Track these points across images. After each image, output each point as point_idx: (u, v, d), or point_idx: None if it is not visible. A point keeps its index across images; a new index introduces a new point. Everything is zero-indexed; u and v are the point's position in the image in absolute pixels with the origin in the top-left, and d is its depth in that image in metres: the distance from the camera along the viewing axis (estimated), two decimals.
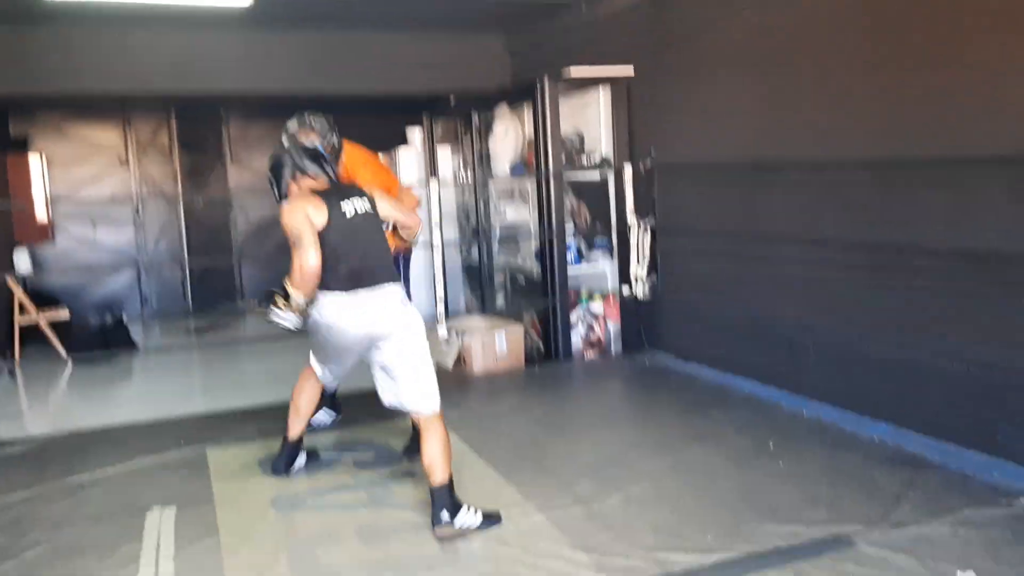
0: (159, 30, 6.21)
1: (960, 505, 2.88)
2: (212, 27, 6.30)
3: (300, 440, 3.44)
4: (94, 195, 8.47)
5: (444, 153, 6.97)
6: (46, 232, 8.29)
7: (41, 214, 8.30)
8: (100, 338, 6.93)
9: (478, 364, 4.98)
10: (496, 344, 5.01)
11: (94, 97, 7.56)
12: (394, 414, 3.19)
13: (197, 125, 9.05)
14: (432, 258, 5.44)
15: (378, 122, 7.01)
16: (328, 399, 3.93)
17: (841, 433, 3.65)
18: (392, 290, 2.96)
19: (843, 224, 3.82)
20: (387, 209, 3.08)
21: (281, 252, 9.78)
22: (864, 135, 3.68)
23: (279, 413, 3.84)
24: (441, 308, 5.36)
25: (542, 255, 5.36)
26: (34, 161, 8.09)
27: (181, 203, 8.88)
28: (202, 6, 5.27)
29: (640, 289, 5.21)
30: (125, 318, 7.45)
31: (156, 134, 8.91)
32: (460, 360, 5.00)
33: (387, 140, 7.13)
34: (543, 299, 5.30)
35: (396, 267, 3.09)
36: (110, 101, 8.34)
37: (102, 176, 8.69)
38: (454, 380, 4.69)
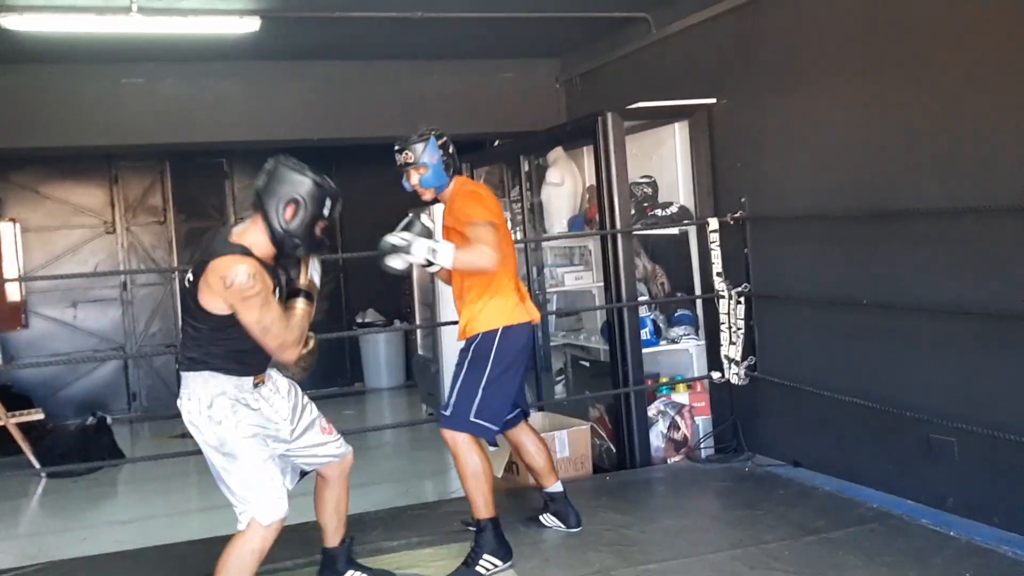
0: (152, 71, 6.52)
1: None
2: (213, 64, 6.60)
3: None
4: (75, 269, 8.80)
5: None
6: (18, 316, 8.59)
7: (13, 294, 8.61)
8: (80, 445, 7.10)
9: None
10: (556, 447, 4.97)
11: (76, 152, 7.94)
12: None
13: (196, 182, 9.42)
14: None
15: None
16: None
17: (1001, 561, 3.50)
18: (185, 380, 3.14)
19: (993, 289, 3.74)
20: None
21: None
22: (1018, 172, 3.61)
23: (294, 536, 3.82)
24: None
25: (610, 332, 5.33)
26: (6, 230, 8.46)
27: (178, 277, 9.15)
28: (202, 34, 5.53)
29: (735, 374, 5.15)
30: (109, 420, 7.64)
31: (148, 194, 9.29)
32: (511, 467, 4.97)
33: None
34: (613, 388, 5.26)
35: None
36: (94, 156, 8.74)
37: (85, 245, 9.07)
38: (503, 493, 4.64)
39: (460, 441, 3.67)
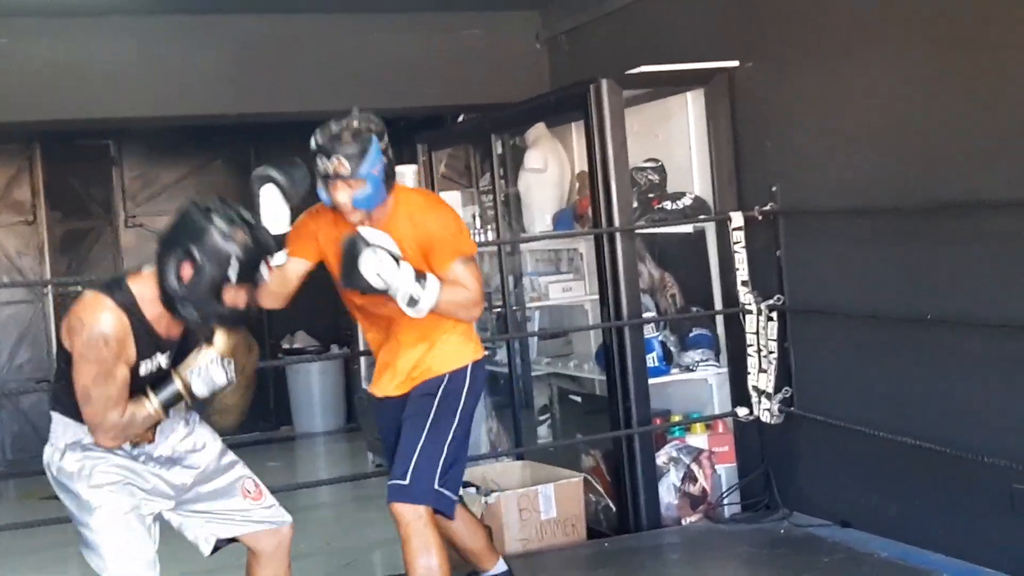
0: (18, 29, 6.44)
1: None
2: (97, 20, 6.53)
3: None
4: None
5: (452, 200, 7.01)
6: None
7: None
8: None
9: (512, 538, 4.90)
10: (540, 505, 4.96)
11: None
12: None
13: (75, 171, 9.36)
14: None
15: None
16: None
17: None
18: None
19: None
20: None
21: None
22: None
23: None
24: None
25: (607, 358, 5.34)
26: None
27: (51, 292, 9.07)
28: None
29: (766, 410, 5.17)
30: None
31: (12, 186, 9.22)
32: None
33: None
34: (612, 430, 5.27)
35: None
36: None
37: None
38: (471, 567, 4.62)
39: (421, 520, 3.54)
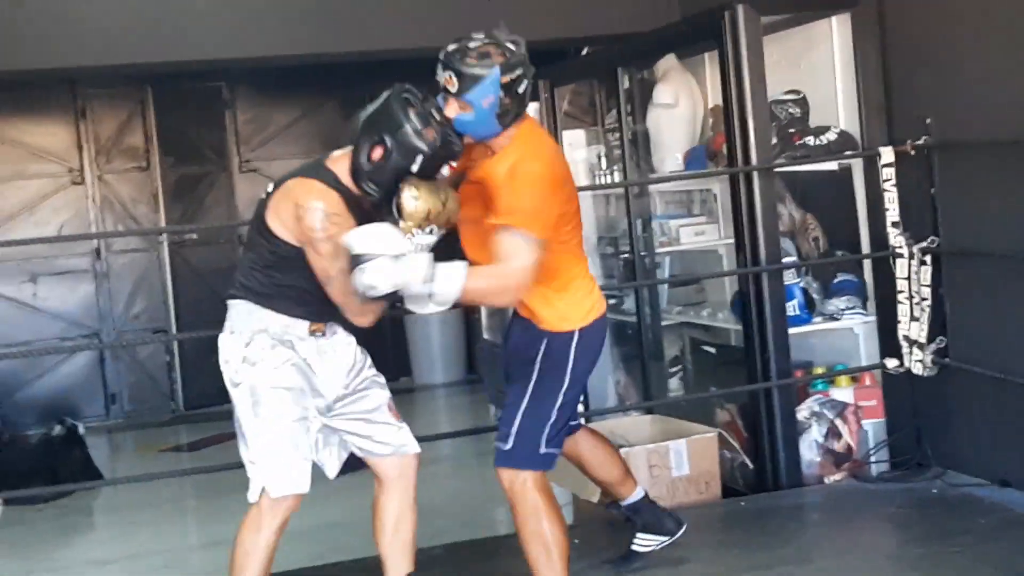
0: None
1: None
2: None
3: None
4: (34, 232, 9.01)
5: (575, 139, 7.04)
6: None
7: None
8: (44, 462, 7.30)
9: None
10: (671, 462, 4.98)
11: (28, 77, 8.06)
12: None
13: (188, 115, 9.56)
14: None
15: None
16: None
17: None
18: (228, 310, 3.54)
19: None
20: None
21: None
22: None
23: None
24: None
25: (744, 307, 5.31)
26: None
27: (166, 240, 9.32)
28: None
29: (918, 361, 5.12)
30: (82, 429, 7.83)
31: (125, 131, 9.47)
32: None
33: None
34: (749, 383, 5.26)
35: None
36: (54, 82, 8.91)
37: (45, 201, 9.28)
38: (602, 523, 4.66)
39: (529, 486, 3.53)
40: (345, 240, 3.21)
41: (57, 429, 7.65)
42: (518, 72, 3.38)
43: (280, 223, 3.33)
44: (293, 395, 3.40)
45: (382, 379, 3.69)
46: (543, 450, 3.56)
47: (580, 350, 3.57)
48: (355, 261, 3.17)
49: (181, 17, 6.66)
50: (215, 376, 10.17)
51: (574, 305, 3.59)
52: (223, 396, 10.32)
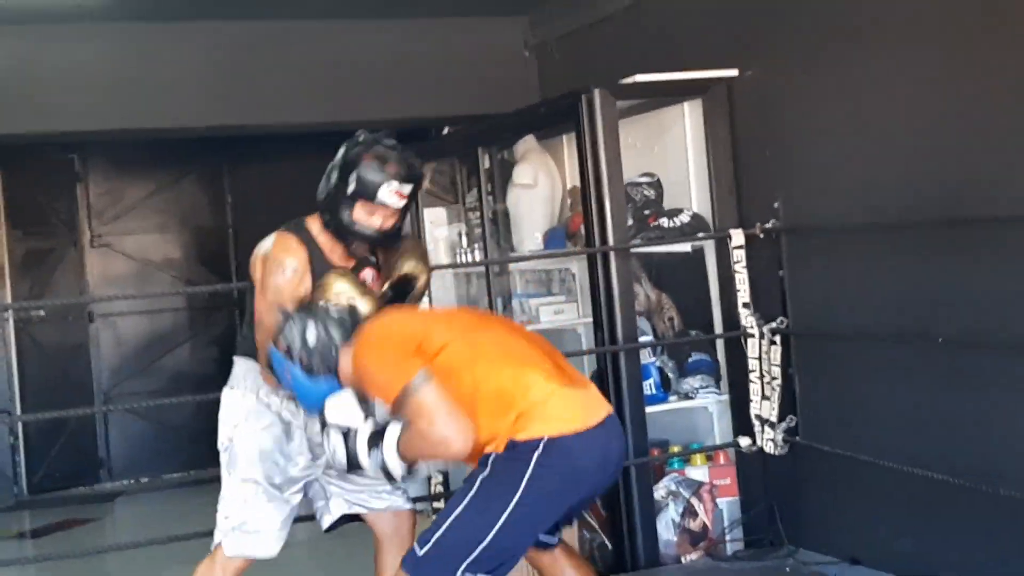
0: None
1: None
2: (61, 27, 6.51)
3: None
4: None
5: (437, 217, 7.01)
6: None
7: None
8: None
9: None
10: None
11: None
12: None
13: (38, 186, 9.31)
14: None
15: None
16: None
17: None
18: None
19: None
20: None
21: (176, 390, 9.63)
22: None
23: None
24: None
25: (600, 386, 5.22)
26: None
27: (11, 316, 9.01)
28: None
29: (770, 440, 5.15)
30: None
31: None
32: None
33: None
34: None
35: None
36: None
37: None
38: None
39: None
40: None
41: None
42: None
43: (254, 269, 3.65)
44: (265, 462, 3.59)
45: None
46: (460, 572, 3.14)
47: (538, 465, 3.12)
48: (321, 422, 3.37)
49: (30, 86, 6.52)
50: (61, 459, 9.84)
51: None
52: (70, 480, 10.03)
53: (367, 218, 3.51)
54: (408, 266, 3.65)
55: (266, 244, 3.62)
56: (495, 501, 3.13)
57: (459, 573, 3.13)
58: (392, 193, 3.49)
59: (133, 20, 6.57)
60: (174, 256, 9.75)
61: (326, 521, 3.79)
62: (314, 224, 3.62)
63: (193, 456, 9.00)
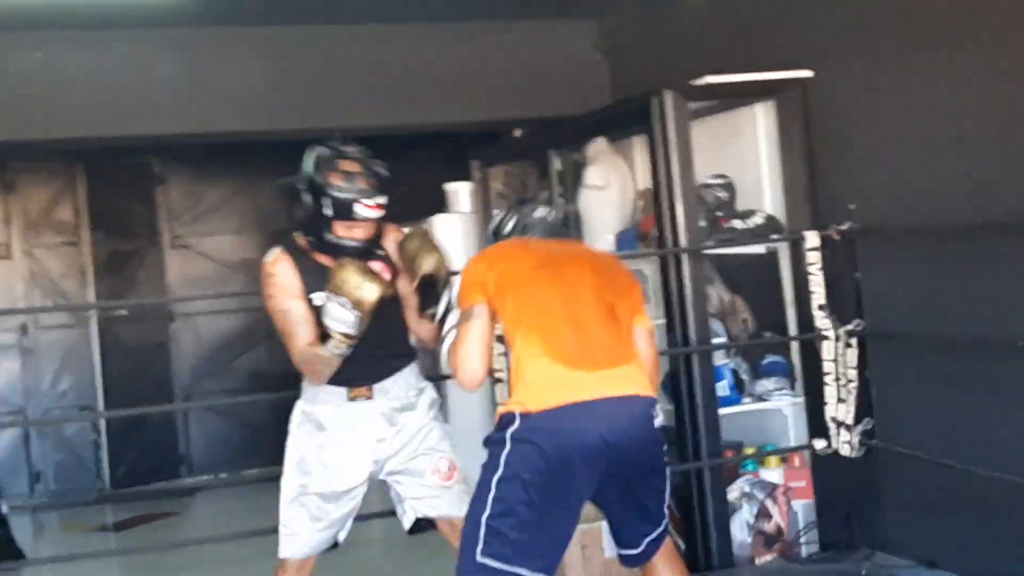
0: (55, 43, 6.51)
1: None
2: (137, 32, 6.58)
3: None
4: None
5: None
6: None
7: None
8: None
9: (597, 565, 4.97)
10: (604, 543, 4.94)
11: None
12: None
13: (119, 190, 9.46)
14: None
15: (400, 175, 7.19)
16: None
17: None
18: None
19: None
20: None
21: (254, 388, 9.70)
22: None
23: None
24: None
25: (674, 387, 5.32)
26: None
27: (95, 316, 9.16)
28: None
29: (845, 443, 5.12)
30: (4, 508, 7.62)
31: (55, 206, 9.33)
32: None
33: (415, 204, 7.25)
34: (680, 463, 5.22)
35: None
36: None
37: None
38: None
39: None
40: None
41: None
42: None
43: None
44: (303, 469, 3.67)
45: (441, 445, 3.79)
46: (479, 559, 3.17)
47: (510, 445, 3.23)
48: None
49: (109, 92, 6.60)
50: (143, 454, 10.00)
51: (516, 387, 3.38)
52: (150, 475, 10.18)
53: (349, 232, 3.58)
54: (427, 265, 3.63)
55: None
56: (482, 485, 3.24)
57: (477, 560, 3.18)
58: (368, 208, 3.54)
59: (206, 25, 6.62)
60: (251, 257, 9.75)
61: (405, 523, 3.84)
62: (300, 237, 3.71)
63: (271, 453, 8.98)
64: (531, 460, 3.19)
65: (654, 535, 3.52)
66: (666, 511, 3.56)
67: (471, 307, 3.47)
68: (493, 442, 3.28)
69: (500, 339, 3.59)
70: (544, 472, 3.18)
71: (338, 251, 3.57)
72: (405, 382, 3.75)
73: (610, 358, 3.35)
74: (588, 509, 5.15)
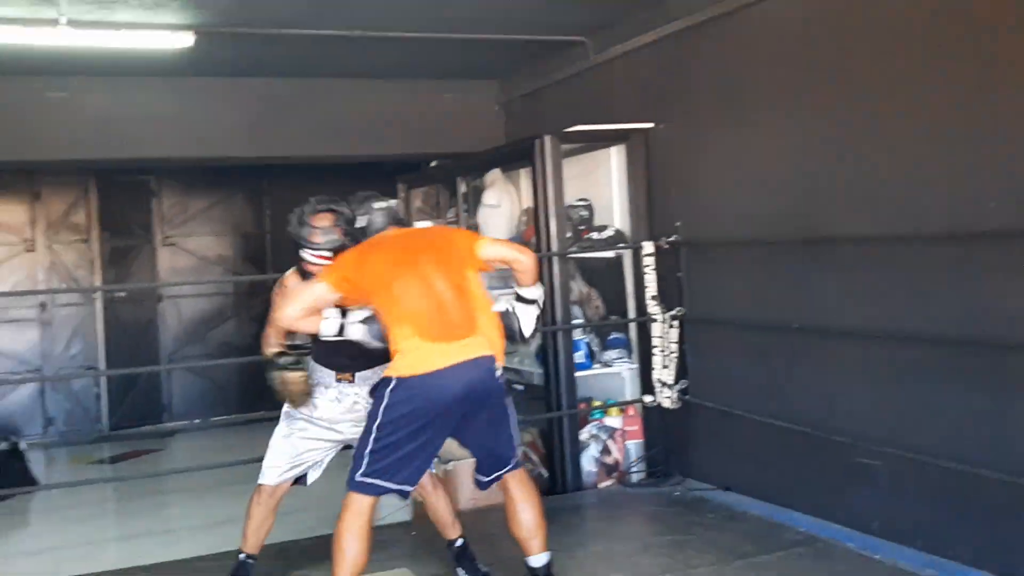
0: (78, 85, 6.43)
1: None
2: (143, 79, 6.52)
3: None
4: None
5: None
6: None
7: None
8: None
9: (465, 498, 4.89)
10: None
11: None
12: None
13: (122, 199, 9.28)
14: None
15: (343, 192, 7.19)
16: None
17: None
18: None
19: (919, 314, 3.84)
20: None
21: (224, 354, 9.58)
22: (943, 201, 3.72)
23: (217, 568, 3.89)
24: None
25: (544, 356, 5.36)
26: None
27: (100, 298, 8.99)
28: (133, 49, 5.43)
29: (667, 398, 5.20)
30: (23, 445, 7.46)
31: (71, 211, 9.12)
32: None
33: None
34: (546, 412, 5.28)
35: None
36: (14, 171, 8.56)
37: (2, 265, 8.86)
38: (424, 519, 4.62)
39: (345, 503, 3.31)
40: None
41: (2, 445, 7.29)
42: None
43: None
44: (294, 420, 3.72)
45: None
46: (358, 478, 3.27)
47: (387, 402, 3.25)
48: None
49: (117, 124, 6.54)
50: (134, 404, 9.79)
51: (399, 356, 3.31)
52: (140, 420, 9.95)
53: (318, 261, 3.65)
54: None
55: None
56: (369, 422, 3.29)
57: (358, 477, 3.26)
58: (316, 256, 3.65)
59: (194, 75, 6.59)
60: (225, 254, 9.72)
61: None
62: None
63: (235, 405, 9.04)
64: (402, 410, 3.22)
65: (502, 472, 3.45)
66: (514, 454, 3.46)
67: (321, 283, 3.37)
68: (377, 398, 3.28)
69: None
70: (411, 420, 3.23)
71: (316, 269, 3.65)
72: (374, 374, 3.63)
73: (462, 331, 3.30)
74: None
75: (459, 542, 3.92)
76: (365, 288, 3.36)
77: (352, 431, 3.65)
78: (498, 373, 3.35)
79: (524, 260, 3.51)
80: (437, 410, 3.25)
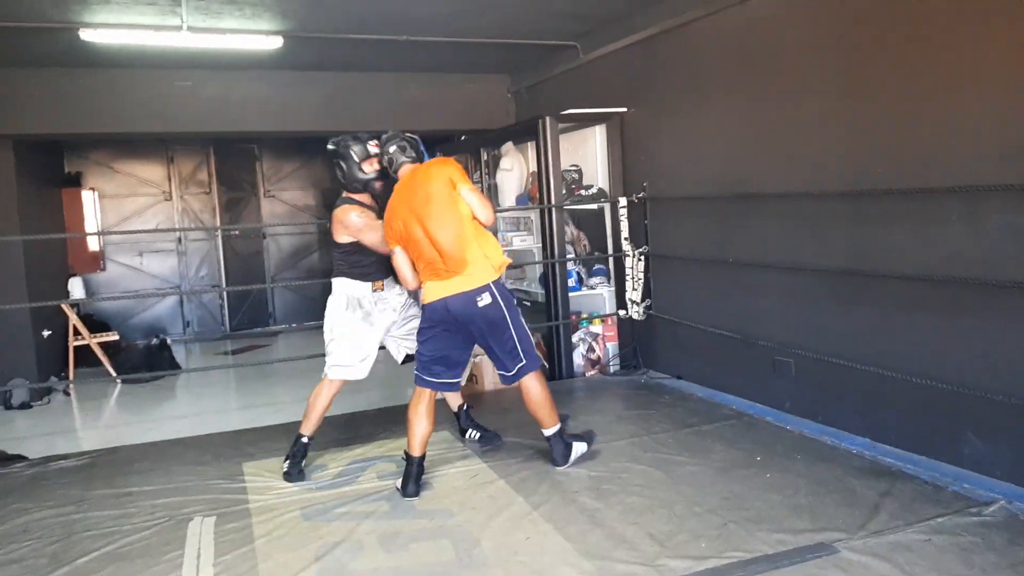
0: (197, 76, 6.26)
1: (933, 514, 2.85)
2: (246, 71, 6.35)
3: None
4: (141, 227, 8.60)
5: None
6: (97, 262, 8.42)
7: (93, 245, 8.41)
8: (147, 360, 7.00)
9: (488, 382, 4.97)
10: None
11: (140, 137, 7.65)
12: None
13: (234, 162, 9.17)
14: None
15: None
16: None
17: (822, 447, 3.61)
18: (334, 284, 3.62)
19: (820, 252, 3.81)
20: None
21: (311, 277, 9.65)
22: (839, 167, 3.67)
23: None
24: None
25: (546, 281, 5.34)
26: (87, 196, 8.25)
27: (219, 234, 8.95)
28: (237, 49, 5.32)
29: (635, 312, 5.19)
30: (169, 341, 7.51)
31: (197, 171, 9.01)
32: (472, 378, 5.00)
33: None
34: (547, 321, 5.28)
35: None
36: (154, 140, 8.46)
37: (148, 209, 8.81)
38: (466, 397, 4.67)
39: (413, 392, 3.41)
40: None
41: (154, 341, 7.35)
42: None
43: (337, 232, 3.48)
44: (357, 322, 3.50)
45: (414, 311, 3.69)
46: (415, 371, 3.39)
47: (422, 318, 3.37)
48: None
49: (229, 105, 6.37)
50: (248, 312, 9.79)
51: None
52: (252, 323, 9.97)
53: (372, 167, 3.47)
54: None
55: (337, 212, 3.49)
56: (418, 332, 3.40)
57: (415, 372, 3.39)
58: (360, 197, 3.50)
59: (286, 69, 6.42)
60: (309, 203, 9.60)
61: (400, 356, 3.73)
62: (350, 195, 3.52)
63: (319, 313, 9.04)
64: (429, 322, 3.33)
65: (514, 370, 3.37)
66: (518, 358, 3.35)
67: (393, 250, 3.35)
68: (421, 313, 3.42)
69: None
70: (435, 328, 3.33)
71: (370, 183, 3.48)
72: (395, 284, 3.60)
73: (453, 270, 3.25)
74: None
75: (464, 406, 3.96)
76: (397, 241, 3.34)
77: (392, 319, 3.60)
78: (482, 303, 3.26)
79: (482, 214, 3.33)
80: (448, 324, 3.31)
